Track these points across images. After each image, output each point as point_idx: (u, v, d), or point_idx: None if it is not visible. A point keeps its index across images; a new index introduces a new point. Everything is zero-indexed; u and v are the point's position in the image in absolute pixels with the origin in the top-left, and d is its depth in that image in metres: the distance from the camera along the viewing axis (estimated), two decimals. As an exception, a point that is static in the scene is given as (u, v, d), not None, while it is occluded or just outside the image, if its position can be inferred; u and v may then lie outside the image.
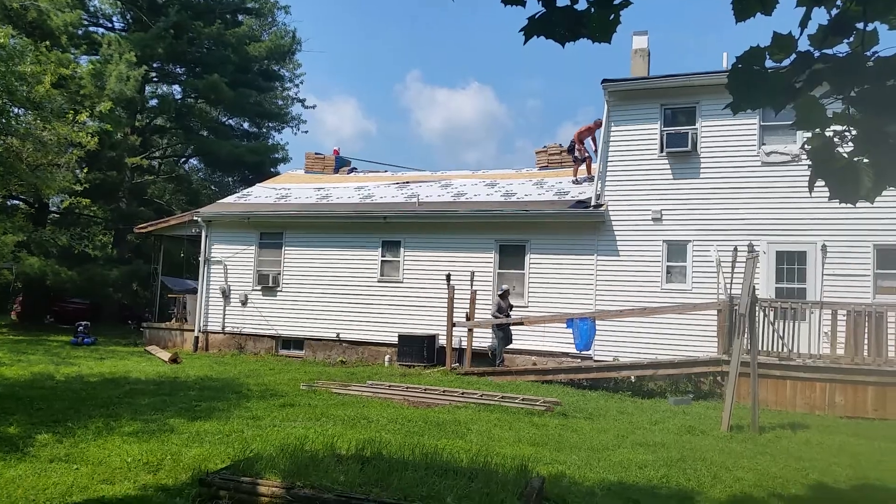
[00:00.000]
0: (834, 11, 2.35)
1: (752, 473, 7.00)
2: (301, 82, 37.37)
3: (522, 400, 10.90)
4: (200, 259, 19.64)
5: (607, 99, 15.39)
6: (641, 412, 10.98)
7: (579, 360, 14.70)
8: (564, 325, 14.66)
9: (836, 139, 2.49)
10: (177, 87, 32.95)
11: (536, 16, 2.37)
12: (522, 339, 15.51)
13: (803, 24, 2.35)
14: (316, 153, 23.78)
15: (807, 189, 2.76)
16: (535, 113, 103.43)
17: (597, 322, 14.64)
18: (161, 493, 5.93)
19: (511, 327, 15.13)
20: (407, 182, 20.38)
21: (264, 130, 35.34)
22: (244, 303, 18.83)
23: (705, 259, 14.31)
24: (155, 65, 29.18)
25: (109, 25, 29.80)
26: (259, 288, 18.71)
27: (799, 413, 11.13)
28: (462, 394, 11.36)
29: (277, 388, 12.11)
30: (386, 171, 23.43)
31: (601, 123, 16.33)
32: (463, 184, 19.29)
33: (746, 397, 10.65)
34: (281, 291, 18.45)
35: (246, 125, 34.99)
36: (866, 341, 11.39)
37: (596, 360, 14.58)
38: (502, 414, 10.00)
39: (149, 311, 23.42)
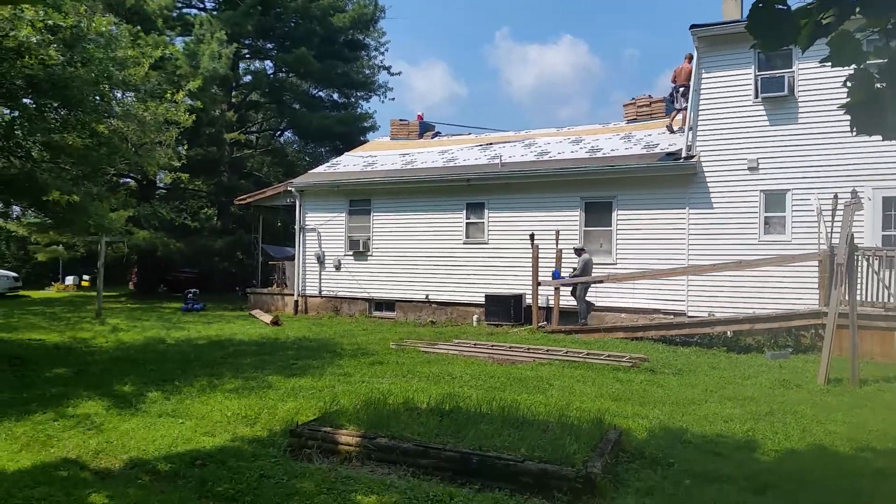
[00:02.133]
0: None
1: (845, 427, 6.71)
2: (386, 50, 37.60)
3: (608, 356, 10.82)
4: (296, 227, 20.44)
5: (696, 45, 14.66)
6: (734, 367, 10.67)
7: (672, 317, 14.36)
8: (654, 281, 14.44)
9: (876, 74, 2.34)
10: (269, 63, 33.95)
11: None
12: (612, 296, 15.31)
13: None
14: (400, 120, 24.03)
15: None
16: (631, 63, 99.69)
17: (690, 277, 14.28)
18: (256, 443, 6.34)
19: (594, 286, 14.99)
20: (490, 143, 20.30)
21: (352, 100, 35.87)
22: (338, 267, 19.50)
23: (806, 208, 13.55)
24: (246, 41, 30.10)
25: (201, 6, 30.95)
26: (351, 253, 19.30)
27: (908, 366, 10.48)
28: (547, 351, 11.40)
29: (368, 348, 12.56)
30: (469, 134, 23.40)
31: (691, 58, 15.55)
32: (547, 142, 19.01)
33: (849, 350, 10.12)
34: (371, 256, 18.97)
35: (335, 96, 35.62)
36: None
37: (689, 316, 14.21)
38: (586, 370, 9.98)
39: (254, 278, 24.66)
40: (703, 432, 6.55)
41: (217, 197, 30.00)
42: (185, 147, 21.56)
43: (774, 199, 14.04)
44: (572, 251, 15.20)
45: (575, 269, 15.00)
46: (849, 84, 2.45)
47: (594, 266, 15.17)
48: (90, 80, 10.48)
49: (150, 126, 12.70)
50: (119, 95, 13.26)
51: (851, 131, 2.62)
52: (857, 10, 2.35)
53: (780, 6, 2.38)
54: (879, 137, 2.62)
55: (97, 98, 11.19)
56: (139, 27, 20.64)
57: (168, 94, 14.51)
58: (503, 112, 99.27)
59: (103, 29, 11.25)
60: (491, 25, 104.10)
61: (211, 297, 24.61)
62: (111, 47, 11.50)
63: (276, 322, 16.94)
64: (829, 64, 2.54)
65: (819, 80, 13.42)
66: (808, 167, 13.60)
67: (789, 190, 13.81)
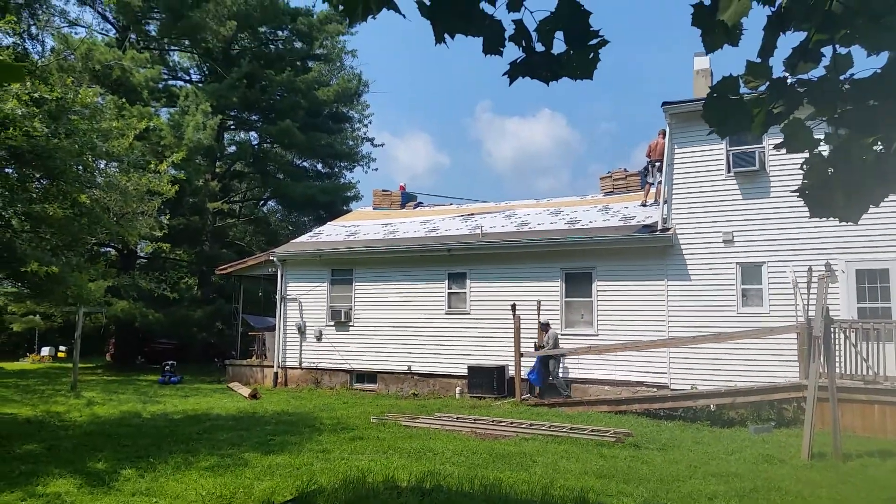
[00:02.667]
0: (801, 37, 2.35)
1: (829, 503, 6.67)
2: (370, 122, 38.48)
3: (591, 431, 10.72)
4: (277, 297, 20.33)
5: (669, 122, 15.17)
6: (718, 442, 10.61)
7: (655, 390, 14.33)
8: (636, 353, 14.48)
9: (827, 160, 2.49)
10: (253, 134, 34.52)
11: (518, 60, 2.48)
12: (594, 368, 15.27)
13: (763, 53, 2.37)
14: (383, 190, 24.36)
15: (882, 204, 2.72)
16: (607, 137, 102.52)
17: (671, 349, 14.31)
18: (230, 525, 6.15)
19: (575, 357, 15.04)
20: (471, 214, 20.58)
21: (336, 170, 36.44)
22: (319, 338, 19.33)
23: (782, 281, 13.78)
24: (232, 113, 30.67)
25: (187, 78, 31.63)
26: (332, 323, 19.18)
27: (890, 439, 10.47)
28: (530, 425, 11.27)
29: (349, 422, 12.33)
30: (451, 204, 23.73)
31: (665, 133, 16.12)
32: (527, 213, 19.32)
33: (832, 424, 10.12)
34: (353, 326, 18.86)
35: (319, 166, 36.18)
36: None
37: (672, 389, 14.18)
38: (570, 445, 9.86)
39: (233, 349, 24.33)
40: (688, 511, 6.47)
41: (198, 266, 29.89)
42: (168, 216, 21.67)
43: (750, 272, 14.26)
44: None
45: (543, 345, 15.06)
46: (804, 168, 2.58)
47: (563, 337, 15.34)
48: (74, 151, 10.57)
49: (132, 196, 12.80)
50: (102, 165, 13.41)
51: (811, 216, 2.77)
52: (806, 100, 2.50)
53: (733, 96, 2.52)
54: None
55: (80, 168, 11.27)
56: (125, 98, 21.02)
57: (151, 165, 14.67)
58: (484, 182, 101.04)
59: (89, 100, 11.43)
60: (472, 99, 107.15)
61: (189, 369, 24.17)
62: (96, 119, 11.69)
63: (254, 395, 16.63)
64: (784, 150, 2.68)
65: (788, 156, 13.87)
66: (782, 240, 13.89)
67: (765, 262, 14.06)
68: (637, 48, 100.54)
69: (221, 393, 17.91)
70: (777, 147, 2.65)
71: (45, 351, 30.10)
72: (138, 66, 24.19)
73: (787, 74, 2.43)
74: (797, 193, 2.59)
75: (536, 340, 15.04)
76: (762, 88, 2.51)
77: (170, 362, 21.38)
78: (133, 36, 27.57)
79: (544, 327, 15.26)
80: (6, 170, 10.56)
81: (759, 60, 2.41)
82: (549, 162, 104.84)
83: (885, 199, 2.67)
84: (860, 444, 9.96)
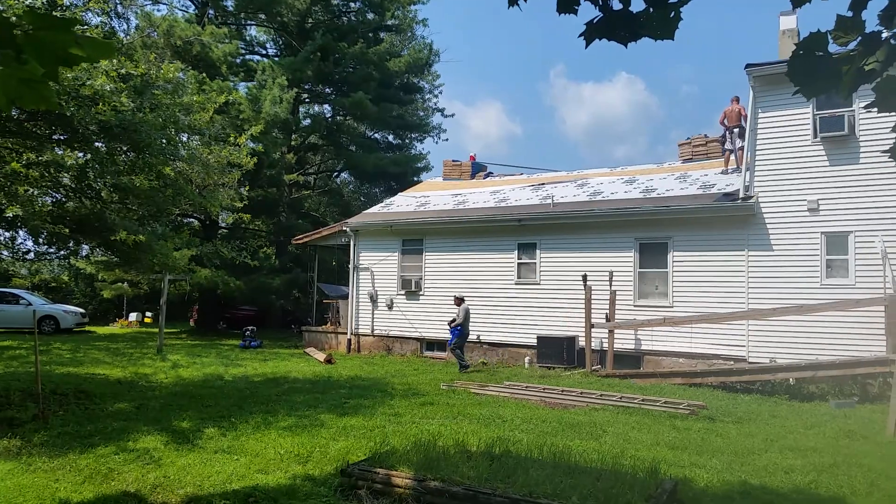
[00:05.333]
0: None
1: (917, 483, 6.39)
2: (440, 92, 38.35)
3: (664, 403, 10.57)
4: (350, 266, 20.78)
5: (752, 85, 14.53)
6: (797, 416, 10.30)
7: (731, 363, 13.98)
8: (712, 325, 14.13)
9: None
10: (327, 107, 34.99)
11: (595, 20, 2.41)
12: (668, 340, 15.00)
13: (855, 6, 2.22)
14: (453, 160, 24.37)
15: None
16: (690, 100, 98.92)
17: (750, 321, 13.91)
18: (308, 482, 6.41)
19: (647, 329, 14.82)
20: (542, 184, 20.37)
21: (407, 142, 36.60)
22: (390, 307, 19.68)
23: (870, 251, 13.11)
24: (306, 86, 31.14)
25: (264, 52, 32.24)
26: (403, 292, 19.48)
27: None
28: (600, 396, 11.21)
29: (419, 388, 12.58)
30: (521, 174, 23.53)
31: (739, 99, 15.96)
32: (600, 182, 18.97)
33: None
34: (423, 295, 19.10)
35: (390, 138, 36.43)
36: None
37: (750, 362, 13.81)
38: (642, 417, 9.77)
39: (309, 316, 25.08)
40: (763, 483, 6.34)
41: (276, 236, 30.76)
42: (247, 188, 22.32)
43: (836, 242, 13.64)
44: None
45: (454, 319, 15.75)
46: (897, 128, 2.44)
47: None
48: (158, 125, 10.96)
49: (213, 168, 13.26)
50: (185, 138, 13.91)
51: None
52: None
53: (820, 53, 2.39)
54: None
55: (164, 141, 11.72)
56: (204, 73, 21.66)
57: (231, 138, 15.12)
58: (558, 151, 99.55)
59: (171, 76, 11.84)
60: (545, 63, 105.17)
61: (267, 335, 25.06)
62: (178, 93, 12.12)
63: (329, 360, 17.14)
64: (875, 109, 2.53)
65: (881, 119, 13.10)
66: (871, 208, 13.21)
67: (852, 232, 13.41)
68: (721, 8, 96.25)
69: (298, 358, 18.52)
70: (867, 107, 2.50)
71: (133, 316, 31.72)
72: (217, 42, 24.83)
73: (882, 28, 2.28)
74: (888, 154, 2.45)
75: (608, 311, 14.86)
76: (853, 45, 2.36)
77: (250, 328, 22.23)
78: (211, 11, 28.27)
79: (458, 301, 15.91)
80: (97, 143, 11.07)
81: (850, 14, 2.27)
82: (625, 128, 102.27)
83: None
84: (953, 423, 9.46)
